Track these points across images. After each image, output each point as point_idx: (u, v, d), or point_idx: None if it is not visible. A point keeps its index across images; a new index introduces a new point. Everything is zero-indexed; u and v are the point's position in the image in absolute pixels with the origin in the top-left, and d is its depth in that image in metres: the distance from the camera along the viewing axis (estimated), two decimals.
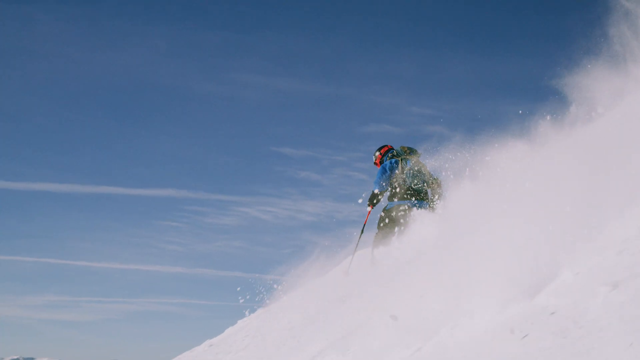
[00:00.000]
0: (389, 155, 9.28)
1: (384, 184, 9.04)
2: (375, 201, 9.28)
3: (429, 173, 9.03)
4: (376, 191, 9.11)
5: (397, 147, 9.44)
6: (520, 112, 7.42)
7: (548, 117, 6.83)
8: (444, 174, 8.37)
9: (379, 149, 9.53)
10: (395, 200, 8.88)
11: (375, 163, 9.63)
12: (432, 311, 4.58)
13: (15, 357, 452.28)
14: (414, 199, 8.78)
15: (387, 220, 8.88)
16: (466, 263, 4.79)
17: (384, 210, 9.06)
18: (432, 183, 8.95)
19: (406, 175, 8.88)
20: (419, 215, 8.35)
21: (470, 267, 4.65)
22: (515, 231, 4.48)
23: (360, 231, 9.84)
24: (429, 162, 9.07)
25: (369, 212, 9.52)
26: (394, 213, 8.76)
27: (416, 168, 8.97)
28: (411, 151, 9.21)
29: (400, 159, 9.08)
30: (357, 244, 9.89)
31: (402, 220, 8.57)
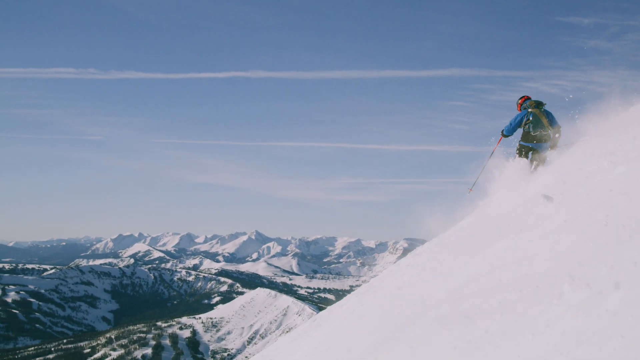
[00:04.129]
0: (524, 105, 12.85)
1: (512, 129, 12.96)
2: (504, 137, 13.46)
3: (548, 123, 12.34)
4: (505, 133, 13.21)
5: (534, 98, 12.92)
6: None
7: None
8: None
9: (520, 98, 13.14)
10: (524, 141, 12.67)
11: (517, 109, 13.20)
12: None
13: (319, 236, 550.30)
14: (535, 142, 12.52)
15: (519, 151, 12.79)
16: None
17: (519, 143, 12.82)
18: (550, 130, 12.29)
19: (528, 126, 12.52)
20: (536, 154, 12.50)
21: None
22: None
23: (489, 155, 14.27)
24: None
25: (499, 140, 13.79)
26: (523, 149, 12.71)
27: (536, 120, 12.39)
28: (537, 104, 12.60)
29: (528, 111, 12.60)
30: (484, 166, 14.38)
31: (525, 155, 12.67)
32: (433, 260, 10.02)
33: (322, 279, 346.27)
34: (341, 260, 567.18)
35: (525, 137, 12.58)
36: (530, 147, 12.54)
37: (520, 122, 12.61)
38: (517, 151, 12.83)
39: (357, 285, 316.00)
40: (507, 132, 13.00)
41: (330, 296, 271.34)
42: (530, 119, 12.37)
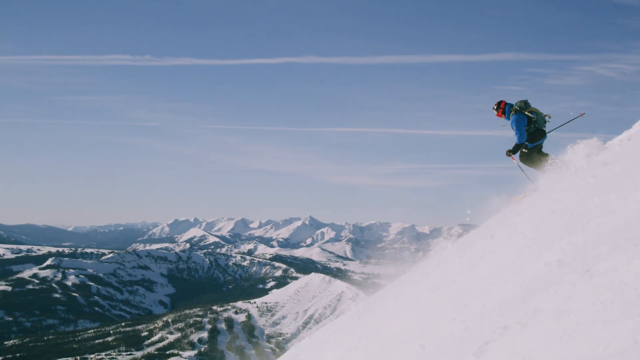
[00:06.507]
0: (513, 109, 12.39)
1: (525, 134, 12.16)
2: (518, 150, 12.40)
3: (542, 113, 12.42)
4: (521, 142, 12.19)
5: (511, 101, 12.64)
6: None
7: None
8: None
9: (499, 104, 12.77)
10: (536, 141, 12.33)
11: (497, 115, 12.88)
12: None
13: (373, 221, 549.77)
14: (543, 137, 12.36)
15: (535, 155, 12.40)
16: None
17: (528, 148, 12.43)
18: (547, 120, 12.45)
19: (537, 122, 12.27)
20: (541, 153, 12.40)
21: None
22: None
23: (524, 174, 13.13)
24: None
25: (513, 158, 12.79)
26: (534, 151, 12.39)
27: (539, 116, 12.30)
28: (526, 103, 12.42)
29: (524, 112, 12.25)
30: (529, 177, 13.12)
31: (536, 159, 12.37)
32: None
33: (376, 264, 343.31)
34: (395, 245, 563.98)
35: (533, 137, 12.41)
36: (540, 145, 12.53)
37: (527, 124, 12.33)
38: (527, 159, 12.63)
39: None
40: (523, 139, 12.27)
41: (385, 282, 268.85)
42: (534, 117, 12.32)
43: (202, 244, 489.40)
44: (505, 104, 12.62)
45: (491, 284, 6.31)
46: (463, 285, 7.39)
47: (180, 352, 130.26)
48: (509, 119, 12.51)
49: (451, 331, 5.56)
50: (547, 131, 12.50)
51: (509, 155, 12.60)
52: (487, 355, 4.11)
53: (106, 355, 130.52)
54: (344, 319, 12.75)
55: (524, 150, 12.49)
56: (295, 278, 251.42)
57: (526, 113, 12.25)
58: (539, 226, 7.62)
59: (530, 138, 12.33)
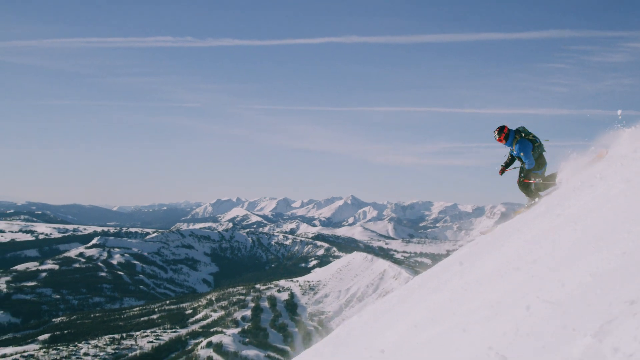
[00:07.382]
0: (518, 135, 12.29)
1: (533, 160, 12.16)
2: (529, 175, 12.45)
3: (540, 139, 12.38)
4: (532, 167, 12.26)
5: (511, 127, 12.48)
6: None
7: None
8: None
9: (502, 130, 12.44)
10: (541, 167, 12.33)
11: (498, 140, 12.62)
12: None
13: (415, 200, 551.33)
14: (546, 164, 12.39)
15: (534, 186, 12.38)
16: None
17: (536, 175, 12.40)
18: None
19: (540, 147, 12.23)
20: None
21: None
22: None
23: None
24: None
25: (528, 181, 12.48)
26: (546, 174, 12.49)
27: (540, 143, 12.28)
28: (525, 130, 12.36)
29: (529, 138, 12.23)
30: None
31: (550, 176, 12.48)
32: None
33: (418, 243, 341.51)
34: (437, 224, 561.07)
35: (540, 160, 12.38)
36: (540, 173, 12.48)
37: (532, 149, 12.23)
38: (533, 189, 12.52)
39: (454, 250, 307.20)
40: (532, 165, 12.29)
41: (427, 260, 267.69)
42: (538, 142, 12.29)
43: (244, 223, 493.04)
44: (508, 129, 12.46)
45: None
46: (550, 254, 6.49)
47: (224, 330, 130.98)
48: (511, 145, 12.57)
49: (548, 309, 4.30)
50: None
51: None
52: (611, 337, 3.17)
53: (151, 332, 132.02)
54: (397, 297, 11.74)
55: (534, 177, 12.50)
56: (338, 257, 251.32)
57: (530, 138, 12.27)
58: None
59: (536, 164, 12.37)
